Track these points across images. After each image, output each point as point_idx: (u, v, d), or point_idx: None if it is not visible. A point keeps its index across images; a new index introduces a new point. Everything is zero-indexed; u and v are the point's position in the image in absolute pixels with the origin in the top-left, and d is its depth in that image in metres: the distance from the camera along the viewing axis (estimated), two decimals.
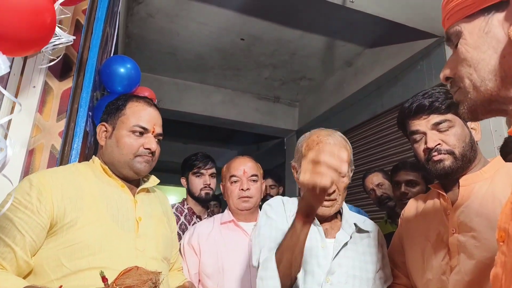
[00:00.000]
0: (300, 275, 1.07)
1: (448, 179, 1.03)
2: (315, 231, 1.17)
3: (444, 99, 1.02)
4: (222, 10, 3.30)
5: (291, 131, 5.13)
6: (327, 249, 1.14)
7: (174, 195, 8.43)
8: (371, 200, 2.55)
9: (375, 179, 2.45)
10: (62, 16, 1.06)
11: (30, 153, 1.45)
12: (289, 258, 0.96)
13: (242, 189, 1.62)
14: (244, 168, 1.65)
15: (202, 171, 2.18)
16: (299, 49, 3.88)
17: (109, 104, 1.21)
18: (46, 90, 1.51)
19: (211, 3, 3.22)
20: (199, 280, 1.51)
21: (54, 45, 1.03)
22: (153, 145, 1.14)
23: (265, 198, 3.07)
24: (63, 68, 1.55)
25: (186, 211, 2.14)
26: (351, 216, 1.22)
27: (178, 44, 3.89)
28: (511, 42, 0.52)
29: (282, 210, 1.17)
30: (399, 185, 2.09)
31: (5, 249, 0.87)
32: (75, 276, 0.90)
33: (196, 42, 3.84)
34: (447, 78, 0.64)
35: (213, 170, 2.23)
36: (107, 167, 1.12)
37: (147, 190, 1.22)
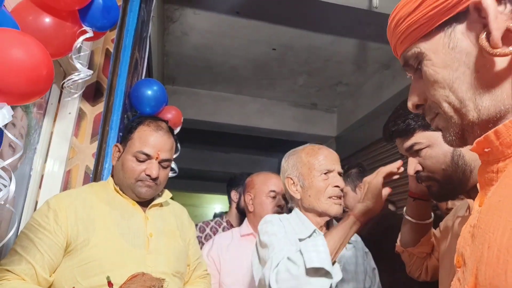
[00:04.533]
0: None
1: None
2: None
3: (407, 120, 0.91)
4: (251, 22, 3.36)
5: (330, 137, 5.05)
6: None
7: (219, 203, 8.63)
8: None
9: None
10: (82, 53, 1.17)
11: (68, 173, 1.60)
12: (333, 246, 0.98)
13: (279, 206, 1.69)
14: (281, 186, 1.73)
15: None
16: (332, 55, 3.84)
17: (126, 125, 1.29)
18: (80, 115, 1.66)
19: (240, 16, 3.30)
20: None
21: (73, 81, 1.14)
22: (154, 171, 1.15)
23: None
24: (95, 94, 1.70)
25: (224, 224, 2.19)
26: None
27: (212, 59, 4.02)
28: (482, 53, 0.46)
29: (282, 226, 1.19)
30: None
31: (27, 266, 0.96)
32: None
33: (229, 55, 3.95)
34: (417, 106, 0.58)
35: None
36: (118, 188, 1.19)
37: (161, 205, 1.27)
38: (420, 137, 0.90)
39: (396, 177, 1.06)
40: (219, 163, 6.85)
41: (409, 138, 0.92)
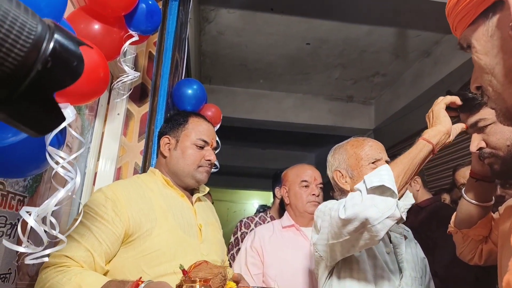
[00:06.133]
0: (378, 278, 1.09)
1: None
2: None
3: (473, 96, 0.91)
4: (285, 17, 3.37)
5: (368, 130, 4.95)
6: (391, 254, 1.16)
7: (257, 199, 8.71)
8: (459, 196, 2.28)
9: (468, 174, 2.18)
10: (129, 56, 1.25)
11: (118, 170, 1.71)
12: (400, 168, 0.95)
13: (313, 194, 1.70)
14: (314, 175, 1.75)
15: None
16: (368, 45, 3.76)
17: (170, 119, 1.34)
18: (128, 115, 1.76)
19: (274, 12, 3.32)
20: (263, 281, 1.60)
21: (122, 82, 1.22)
22: (213, 156, 1.27)
23: None
24: (141, 95, 1.79)
25: (268, 219, 2.23)
26: None
27: (247, 56, 4.07)
28: None
29: None
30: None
31: (86, 253, 0.97)
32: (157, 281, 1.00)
33: (264, 52, 3.98)
34: (477, 88, 0.61)
35: None
36: (169, 179, 1.23)
37: (199, 199, 1.32)
38: (487, 113, 0.89)
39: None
40: (256, 159, 6.93)
41: (474, 114, 0.91)
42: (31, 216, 0.57)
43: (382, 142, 1.29)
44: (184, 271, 0.87)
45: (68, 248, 0.96)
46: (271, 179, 2.55)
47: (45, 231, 0.62)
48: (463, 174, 2.15)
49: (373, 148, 1.21)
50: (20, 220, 0.62)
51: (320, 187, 1.73)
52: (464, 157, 3.18)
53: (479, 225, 1.08)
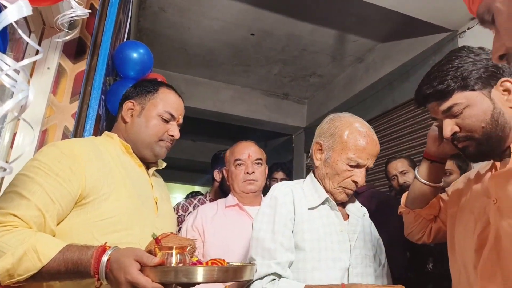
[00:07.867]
0: (323, 261, 1.08)
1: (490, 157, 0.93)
2: (333, 215, 1.18)
3: (446, 81, 0.89)
4: (234, 4, 3.30)
5: (299, 128, 5.12)
6: (344, 233, 1.16)
7: (181, 192, 8.45)
8: (392, 187, 2.44)
9: (399, 166, 2.32)
10: None
11: (43, 133, 1.46)
12: None
13: (247, 173, 1.64)
14: (248, 152, 1.67)
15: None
16: (309, 44, 3.87)
17: (138, 84, 1.21)
18: (60, 71, 1.52)
19: None
20: None
21: (70, 17, 1.04)
22: (176, 132, 1.17)
23: None
24: (77, 50, 1.57)
25: (207, 202, 2.13)
26: (351, 199, 1.27)
27: (189, 40, 3.90)
28: None
29: (290, 209, 1.13)
30: None
31: (37, 213, 0.85)
32: None
33: (207, 38, 3.85)
34: (500, 57, 0.59)
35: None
36: (128, 145, 1.11)
37: (154, 174, 1.23)
38: (459, 98, 0.89)
39: None
40: (185, 151, 6.70)
41: (447, 100, 0.90)
42: None
43: (312, 141, 1.23)
44: (157, 240, 0.82)
45: (16, 206, 0.84)
46: (197, 173, 2.46)
47: None
48: (395, 166, 2.33)
49: (364, 152, 1.12)
50: None
51: (257, 163, 1.67)
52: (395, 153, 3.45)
53: (431, 205, 1.13)
